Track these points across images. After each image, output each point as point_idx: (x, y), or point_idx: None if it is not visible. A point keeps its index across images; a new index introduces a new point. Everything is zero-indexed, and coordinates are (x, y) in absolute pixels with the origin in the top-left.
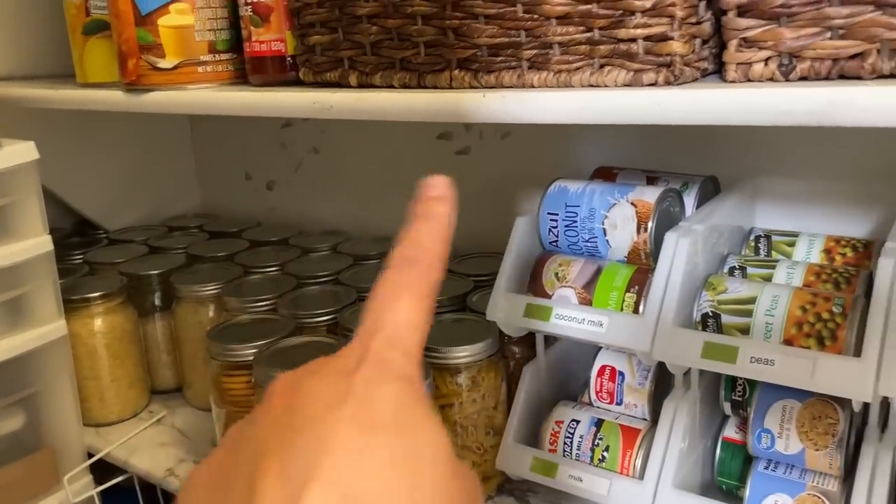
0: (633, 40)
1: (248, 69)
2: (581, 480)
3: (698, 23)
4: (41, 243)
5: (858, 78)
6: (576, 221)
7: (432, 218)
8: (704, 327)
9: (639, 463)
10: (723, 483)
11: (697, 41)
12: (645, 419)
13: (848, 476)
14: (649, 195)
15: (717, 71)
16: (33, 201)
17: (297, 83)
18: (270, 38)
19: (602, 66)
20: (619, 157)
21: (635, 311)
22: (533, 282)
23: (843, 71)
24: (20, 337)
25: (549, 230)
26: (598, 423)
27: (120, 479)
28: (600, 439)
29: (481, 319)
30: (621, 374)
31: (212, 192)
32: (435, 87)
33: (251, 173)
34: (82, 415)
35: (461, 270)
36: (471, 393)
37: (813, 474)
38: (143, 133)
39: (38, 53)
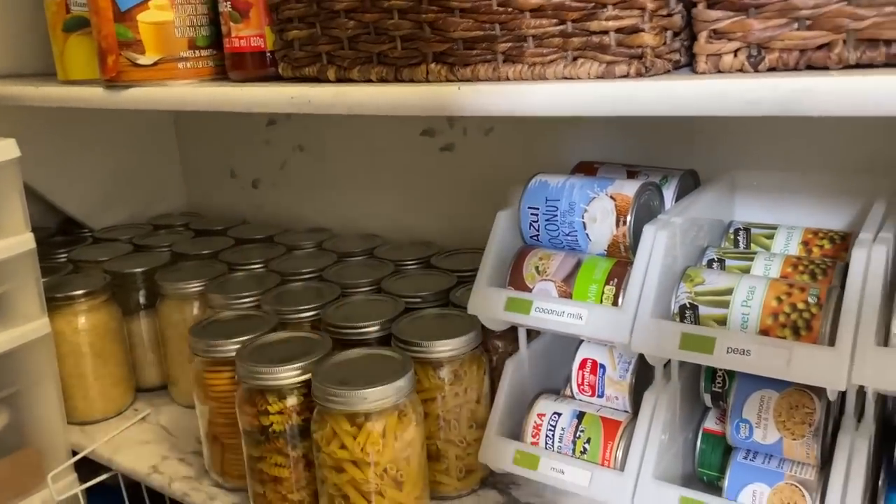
0: (605, 32)
1: (228, 65)
2: (563, 472)
3: (669, 15)
4: (23, 241)
5: (826, 68)
6: (556, 215)
7: None
8: (682, 319)
9: (620, 455)
10: (704, 474)
11: (668, 33)
12: (626, 411)
13: (825, 465)
14: (628, 189)
15: (690, 63)
16: (15, 199)
17: (277, 79)
18: (250, 34)
19: (575, 59)
20: (601, 152)
21: (615, 303)
22: (513, 276)
23: (810, 61)
24: (3, 335)
25: (530, 224)
26: (580, 416)
27: (104, 476)
28: (582, 431)
29: (464, 314)
30: (602, 366)
31: (197, 191)
32: (412, 81)
33: (236, 171)
34: (67, 413)
35: (445, 266)
36: (453, 387)
37: (791, 464)
38: (127, 132)
39: (20, 52)
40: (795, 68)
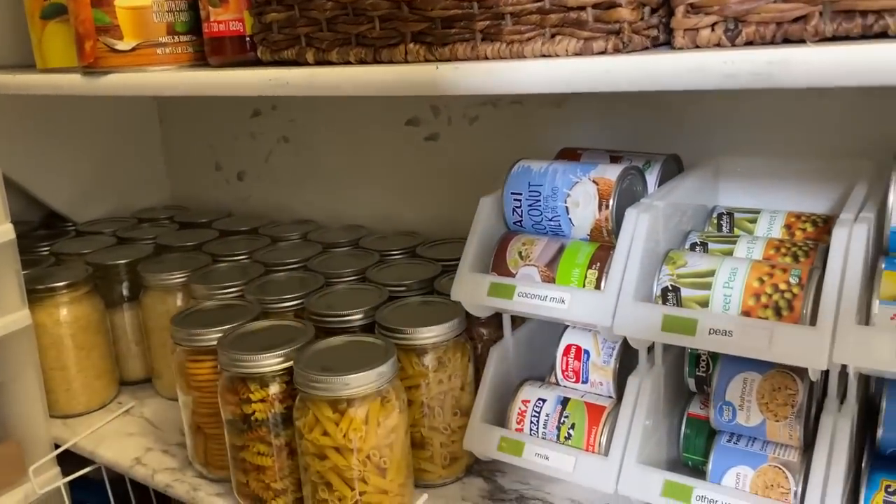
0: (583, 8)
1: (207, 50)
2: (547, 458)
3: None
4: (3, 232)
5: (802, 41)
6: (539, 200)
7: None
8: (665, 301)
9: (604, 440)
10: (689, 459)
11: (646, 9)
12: (610, 397)
13: (809, 447)
14: (611, 173)
15: (669, 40)
16: None
17: (256, 63)
18: (229, 18)
19: (553, 36)
20: (585, 139)
21: (597, 287)
22: (497, 261)
23: (787, 34)
24: None
25: (513, 210)
26: (564, 402)
27: (87, 469)
28: (566, 417)
29: (447, 301)
30: (587, 352)
31: (182, 184)
32: (391, 62)
33: (221, 164)
34: (49, 406)
35: (430, 255)
36: (437, 374)
37: (774, 446)
38: (111, 125)
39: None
40: (772, 41)
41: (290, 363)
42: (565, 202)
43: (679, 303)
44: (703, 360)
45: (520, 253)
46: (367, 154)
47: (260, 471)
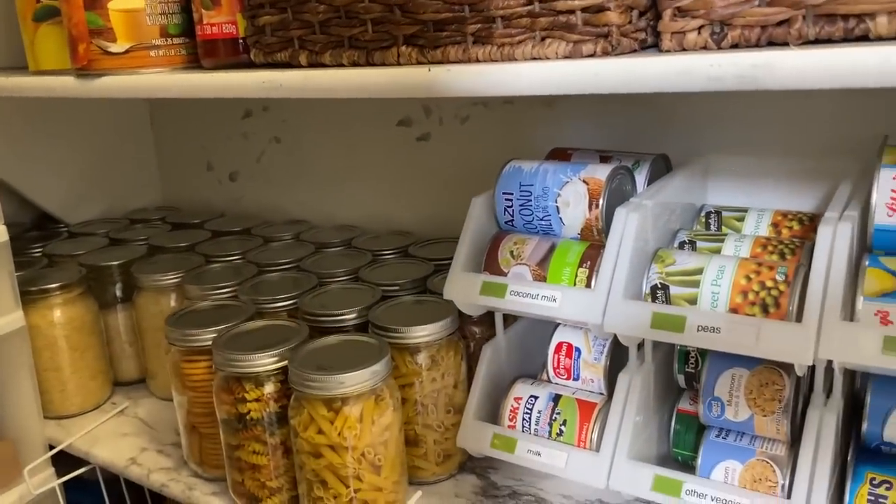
0: (572, 12)
1: (201, 53)
2: (539, 454)
3: None
4: None
5: (786, 44)
6: (530, 200)
7: None
8: (654, 299)
9: (595, 436)
10: (678, 454)
11: (634, 12)
12: (601, 393)
13: (796, 441)
14: (601, 173)
15: (657, 42)
16: None
17: (250, 65)
18: (222, 21)
19: (543, 39)
20: (575, 139)
21: (588, 285)
22: (489, 260)
23: (771, 37)
24: None
25: (505, 209)
26: (556, 399)
27: (82, 470)
28: (558, 414)
29: (440, 300)
30: (578, 349)
31: (174, 185)
32: (383, 64)
33: (213, 164)
34: (43, 407)
35: (423, 255)
36: (430, 372)
37: (762, 440)
38: (103, 127)
39: None
40: (757, 44)
41: (285, 362)
42: (556, 202)
43: (668, 300)
44: (693, 357)
45: (511, 252)
46: (359, 154)
47: (255, 469)
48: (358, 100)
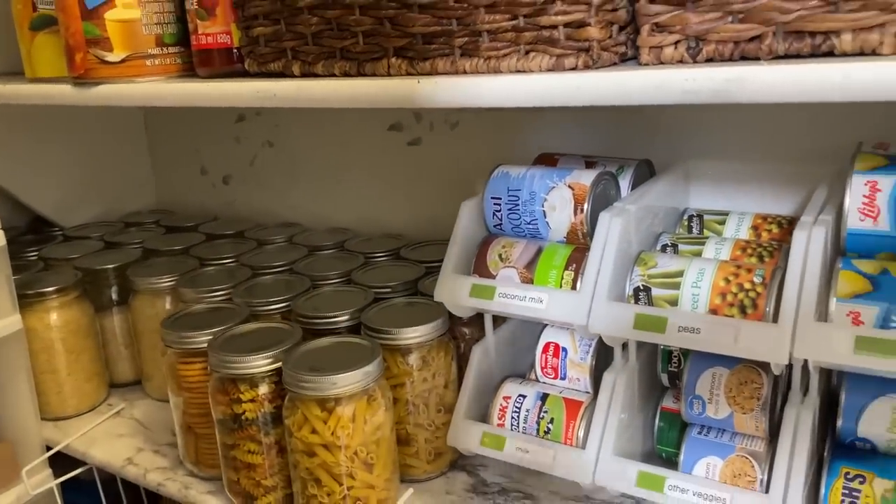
0: (555, 27)
1: (196, 62)
2: (528, 452)
3: (614, 10)
4: None
5: (758, 58)
6: (518, 205)
7: None
8: (636, 301)
9: (581, 433)
10: (662, 451)
11: (614, 27)
12: (588, 392)
13: (774, 437)
14: (585, 178)
15: (636, 56)
16: None
17: (244, 74)
18: (216, 31)
19: (527, 52)
20: (562, 144)
21: (573, 287)
22: (478, 263)
23: (744, 52)
24: None
25: (493, 213)
26: (544, 398)
27: (79, 471)
28: (545, 412)
29: (431, 302)
30: (564, 349)
31: (168, 189)
32: (374, 75)
33: (206, 168)
34: (40, 409)
35: (414, 257)
36: (421, 372)
37: (742, 437)
38: (97, 131)
39: None
40: (731, 59)
41: (279, 364)
42: (542, 206)
43: (650, 302)
44: (676, 357)
45: (500, 255)
46: (351, 158)
47: (250, 468)
48: None
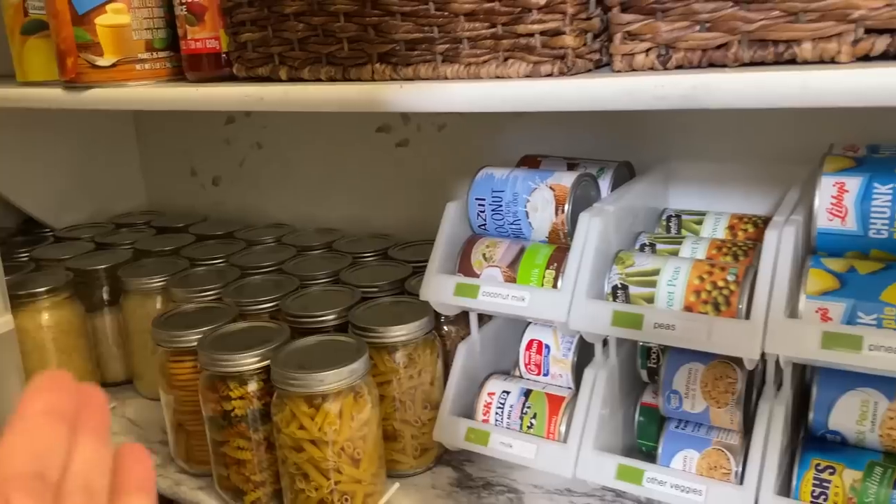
0: (531, 35)
1: (185, 66)
2: (511, 447)
3: (588, 18)
4: None
5: (724, 66)
6: (501, 205)
7: None
8: (615, 298)
9: (563, 428)
10: (643, 445)
11: (589, 35)
12: (569, 388)
13: (749, 431)
14: (566, 180)
15: (610, 63)
16: None
17: (232, 78)
18: (205, 37)
19: (506, 59)
20: (545, 146)
21: (554, 286)
22: (463, 263)
23: (711, 60)
24: None
25: (478, 214)
26: (527, 393)
27: None
28: (528, 408)
29: (417, 301)
30: (547, 346)
31: (158, 190)
32: (358, 80)
33: (196, 169)
34: None
35: (401, 257)
36: (407, 370)
37: (717, 430)
38: (87, 132)
39: None
40: (699, 66)
41: (268, 362)
42: (525, 207)
43: (628, 299)
44: (654, 353)
45: (484, 255)
46: (339, 159)
47: (240, 464)
48: None
